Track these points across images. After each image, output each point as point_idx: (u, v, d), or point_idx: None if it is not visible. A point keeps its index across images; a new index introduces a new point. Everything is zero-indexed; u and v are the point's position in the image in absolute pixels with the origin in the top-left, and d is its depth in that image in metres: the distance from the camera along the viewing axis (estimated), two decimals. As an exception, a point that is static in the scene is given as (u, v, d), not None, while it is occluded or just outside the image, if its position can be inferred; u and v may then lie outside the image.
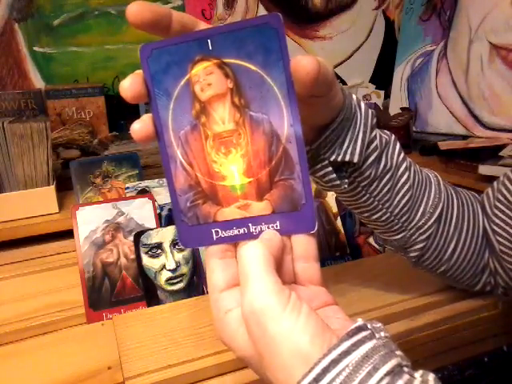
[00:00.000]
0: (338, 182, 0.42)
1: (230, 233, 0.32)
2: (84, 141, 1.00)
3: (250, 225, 0.32)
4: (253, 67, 0.30)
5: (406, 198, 0.46)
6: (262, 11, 1.29)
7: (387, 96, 1.35)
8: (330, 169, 0.41)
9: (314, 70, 0.30)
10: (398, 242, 0.49)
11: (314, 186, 0.75)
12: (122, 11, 1.15)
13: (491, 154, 0.95)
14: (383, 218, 0.46)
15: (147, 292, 0.61)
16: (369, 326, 0.26)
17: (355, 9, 1.38)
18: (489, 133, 1.07)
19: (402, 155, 0.45)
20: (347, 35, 1.39)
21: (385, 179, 0.44)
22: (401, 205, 0.46)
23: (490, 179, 0.89)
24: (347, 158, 0.40)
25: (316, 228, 0.32)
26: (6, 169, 0.78)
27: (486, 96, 1.07)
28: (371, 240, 0.74)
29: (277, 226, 0.32)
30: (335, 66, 1.41)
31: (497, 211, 0.50)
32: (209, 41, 0.30)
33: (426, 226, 0.48)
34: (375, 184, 0.44)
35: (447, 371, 0.60)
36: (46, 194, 0.79)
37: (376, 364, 0.24)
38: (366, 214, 0.47)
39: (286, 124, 0.31)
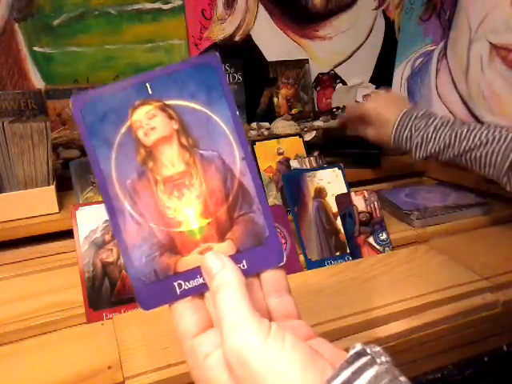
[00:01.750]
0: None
1: (194, 283, 0.30)
2: (84, 141, 1.00)
3: None
4: (196, 106, 0.30)
5: None
6: (262, 11, 1.29)
7: (387, 96, 1.35)
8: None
9: None
10: None
11: (313, 186, 0.74)
12: (122, 11, 1.15)
13: (491, 153, 0.94)
14: None
15: (147, 292, 0.61)
16: (368, 350, 0.24)
17: (355, 9, 1.38)
18: (489, 133, 1.07)
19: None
20: (347, 35, 1.39)
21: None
22: None
23: (490, 179, 0.89)
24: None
25: (285, 260, 0.30)
26: (6, 169, 0.78)
27: (486, 96, 1.07)
28: (371, 240, 0.74)
29: (244, 266, 0.30)
30: (335, 66, 1.41)
31: None
32: (147, 85, 0.30)
33: None
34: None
35: (447, 371, 0.60)
36: (45, 194, 0.79)
37: None
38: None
39: (237, 158, 0.30)
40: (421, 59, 1.25)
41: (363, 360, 0.24)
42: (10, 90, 1.06)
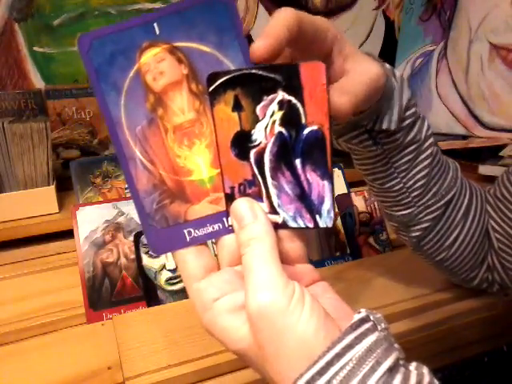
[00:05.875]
0: (374, 148, 0.43)
1: (204, 231, 0.30)
2: (84, 141, 1.00)
3: (224, 219, 0.30)
4: (207, 49, 0.28)
5: (423, 173, 0.46)
6: (262, 11, 1.29)
7: (387, 96, 1.35)
8: (367, 136, 0.42)
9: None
10: (404, 218, 0.50)
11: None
12: (121, 11, 1.14)
13: (491, 154, 0.95)
14: (396, 188, 0.47)
15: (147, 292, 0.61)
16: (371, 317, 0.27)
17: (355, 9, 1.38)
18: (489, 133, 1.07)
19: (431, 131, 0.46)
20: (347, 35, 1.39)
21: (409, 149, 0.45)
22: (416, 178, 0.46)
23: (490, 179, 0.89)
24: (384, 126, 0.41)
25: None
26: (6, 169, 0.78)
27: (486, 96, 1.07)
28: (371, 240, 0.74)
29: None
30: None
31: (496, 209, 0.51)
32: (155, 24, 0.27)
33: (434, 207, 0.48)
34: (398, 151, 0.45)
35: (447, 371, 0.60)
36: (46, 194, 0.79)
37: (379, 358, 0.24)
38: (379, 181, 0.48)
39: None
40: (421, 59, 1.25)
41: (366, 326, 0.26)
42: (10, 90, 1.06)
